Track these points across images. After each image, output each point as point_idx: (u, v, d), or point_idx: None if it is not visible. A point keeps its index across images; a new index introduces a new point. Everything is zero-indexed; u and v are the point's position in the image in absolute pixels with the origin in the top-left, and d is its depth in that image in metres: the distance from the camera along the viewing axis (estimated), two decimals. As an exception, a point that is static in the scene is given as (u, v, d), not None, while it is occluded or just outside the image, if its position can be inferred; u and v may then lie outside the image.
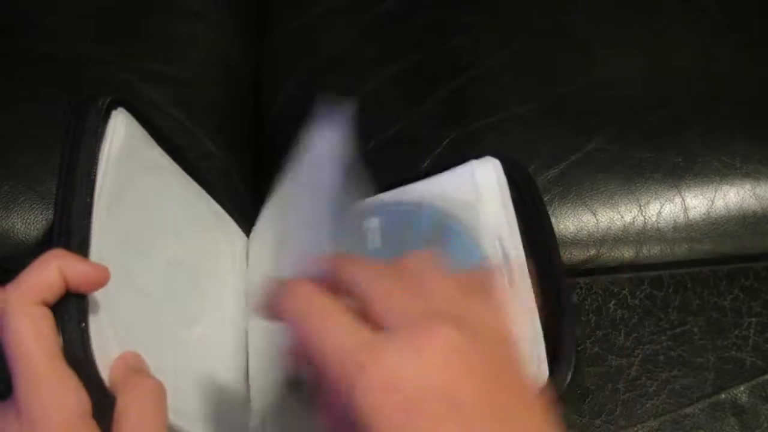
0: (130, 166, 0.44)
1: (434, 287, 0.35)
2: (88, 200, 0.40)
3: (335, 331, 0.32)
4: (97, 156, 0.41)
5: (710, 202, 0.63)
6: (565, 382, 0.43)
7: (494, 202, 0.49)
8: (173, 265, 0.48)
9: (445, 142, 0.64)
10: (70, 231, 0.39)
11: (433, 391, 0.30)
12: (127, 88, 0.65)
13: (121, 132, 0.44)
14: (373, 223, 0.52)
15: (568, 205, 0.62)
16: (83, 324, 0.37)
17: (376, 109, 0.68)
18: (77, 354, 0.36)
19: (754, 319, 0.61)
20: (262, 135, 0.72)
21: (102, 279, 0.38)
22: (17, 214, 0.60)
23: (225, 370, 0.49)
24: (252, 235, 0.57)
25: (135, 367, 0.39)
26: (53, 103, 0.63)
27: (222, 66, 0.72)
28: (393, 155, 0.65)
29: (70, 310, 0.37)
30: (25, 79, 0.65)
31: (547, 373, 0.44)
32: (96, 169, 0.41)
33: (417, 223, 0.51)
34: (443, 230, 0.50)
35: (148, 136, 0.48)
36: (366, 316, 0.33)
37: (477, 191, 0.50)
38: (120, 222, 0.43)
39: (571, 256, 0.62)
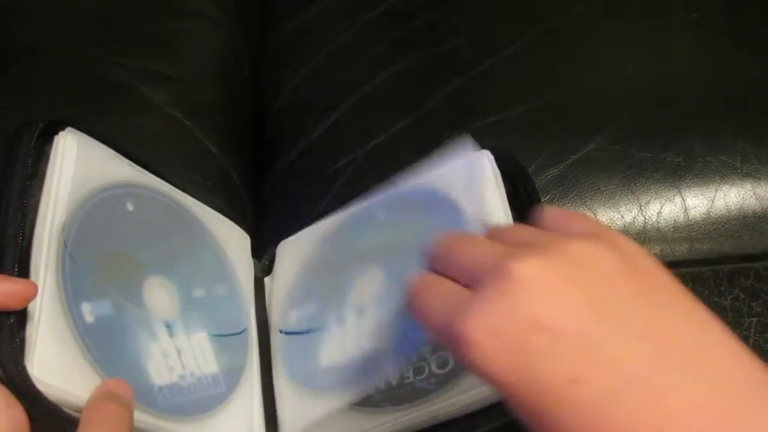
0: (92, 182, 0.45)
1: (511, 235, 0.37)
2: (22, 222, 0.41)
3: (436, 302, 0.36)
4: (30, 178, 0.42)
5: (710, 202, 0.63)
6: None
7: (490, 191, 0.50)
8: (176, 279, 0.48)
9: (445, 142, 0.64)
10: (3, 253, 0.40)
11: (529, 325, 0.32)
12: (126, 87, 0.65)
13: (72, 151, 0.44)
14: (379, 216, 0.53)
15: (569, 205, 0.62)
16: (16, 341, 0.38)
17: (376, 109, 0.68)
18: (11, 372, 0.37)
19: (754, 319, 0.61)
20: (262, 135, 0.72)
21: (29, 293, 0.39)
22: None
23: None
24: (287, 246, 0.56)
25: (110, 393, 0.39)
26: (53, 103, 0.63)
27: (222, 66, 0.72)
28: (393, 155, 0.65)
29: (2, 339, 0.37)
30: (25, 79, 0.65)
31: None
32: (30, 191, 0.42)
33: (422, 212, 0.51)
34: (449, 214, 0.50)
35: (111, 151, 0.48)
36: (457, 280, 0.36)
37: (474, 181, 0.50)
38: (101, 242, 0.44)
39: (571, 256, 0.62)
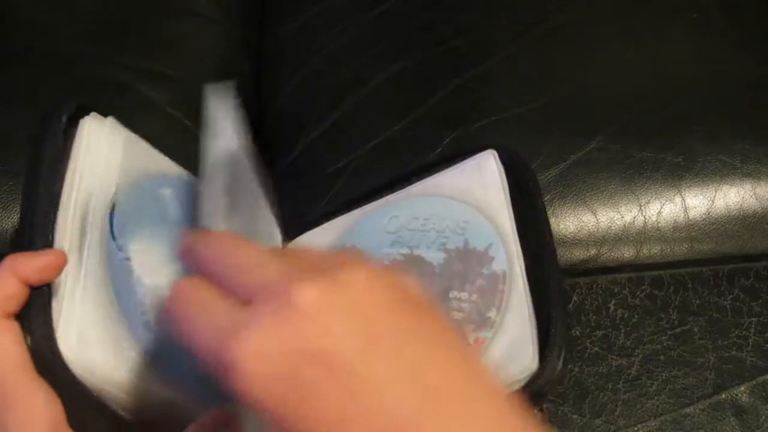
0: (138, 169, 0.46)
1: (298, 255, 0.34)
2: (52, 203, 0.41)
3: (198, 318, 0.32)
4: (60, 156, 0.43)
5: (710, 201, 0.63)
6: (555, 369, 0.43)
7: (494, 190, 0.50)
8: None
9: (445, 142, 0.64)
10: (33, 232, 0.40)
11: (304, 355, 0.30)
12: (126, 87, 0.65)
13: (101, 136, 0.45)
14: (395, 222, 0.53)
15: (568, 205, 0.62)
16: (49, 328, 0.38)
17: (376, 109, 0.68)
18: (43, 349, 0.37)
19: (754, 319, 0.61)
20: (262, 135, 0.72)
21: (61, 260, 0.39)
22: (17, 213, 0.60)
23: None
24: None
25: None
26: (53, 103, 0.63)
27: (222, 66, 0.72)
28: (393, 155, 0.65)
29: (34, 317, 0.38)
30: (25, 79, 0.65)
31: (537, 360, 0.44)
32: (59, 169, 0.42)
33: (435, 219, 0.51)
34: (461, 223, 0.50)
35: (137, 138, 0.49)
36: (228, 292, 0.33)
37: (486, 185, 0.51)
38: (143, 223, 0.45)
39: (571, 256, 0.62)
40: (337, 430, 0.29)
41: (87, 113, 0.46)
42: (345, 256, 0.34)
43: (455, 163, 0.53)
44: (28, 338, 0.37)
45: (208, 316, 0.32)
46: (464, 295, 0.48)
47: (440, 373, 0.31)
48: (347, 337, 0.30)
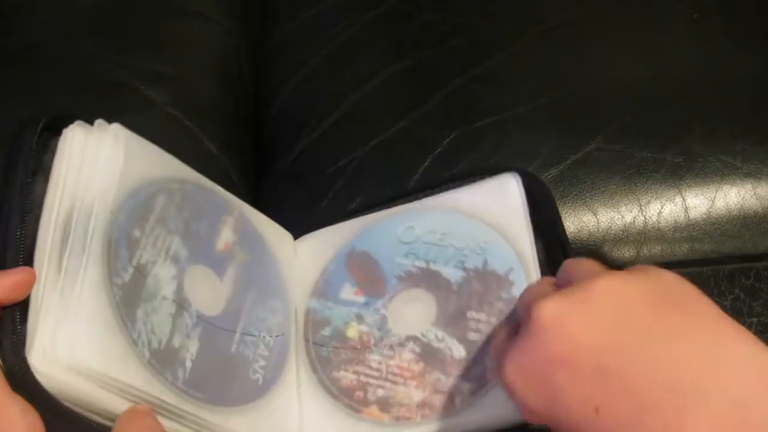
0: (141, 173, 0.46)
1: (571, 272, 0.41)
2: (25, 219, 0.41)
3: (529, 291, 0.42)
4: (34, 174, 0.43)
5: (711, 201, 0.63)
6: None
7: (515, 214, 0.50)
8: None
9: (445, 142, 0.64)
10: (5, 251, 0.40)
11: (551, 363, 0.35)
12: (126, 87, 0.65)
13: (80, 144, 0.45)
14: (410, 233, 0.53)
15: (569, 205, 0.62)
16: (19, 347, 0.38)
17: (376, 109, 0.68)
18: (12, 364, 0.37)
19: (755, 319, 0.61)
20: (262, 135, 0.72)
21: (30, 278, 0.39)
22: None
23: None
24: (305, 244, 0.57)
25: (147, 410, 0.40)
26: (53, 103, 0.63)
27: (222, 66, 0.72)
28: (393, 155, 0.65)
29: (4, 337, 0.38)
30: (25, 78, 0.65)
31: None
32: (34, 186, 0.42)
33: (453, 235, 0.51)
34: (481, 243, 0.50)
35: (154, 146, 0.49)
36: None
37: (506, 207, 0.51)
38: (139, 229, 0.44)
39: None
40: (594, 419, 0.34)
41: (71, 122, 0.45)
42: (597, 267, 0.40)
43: (474, 180, 0.53)
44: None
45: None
46: (482, 316, 0.48)
47: (686, 355, 0.34)
48: (584, 339, 0.35)
